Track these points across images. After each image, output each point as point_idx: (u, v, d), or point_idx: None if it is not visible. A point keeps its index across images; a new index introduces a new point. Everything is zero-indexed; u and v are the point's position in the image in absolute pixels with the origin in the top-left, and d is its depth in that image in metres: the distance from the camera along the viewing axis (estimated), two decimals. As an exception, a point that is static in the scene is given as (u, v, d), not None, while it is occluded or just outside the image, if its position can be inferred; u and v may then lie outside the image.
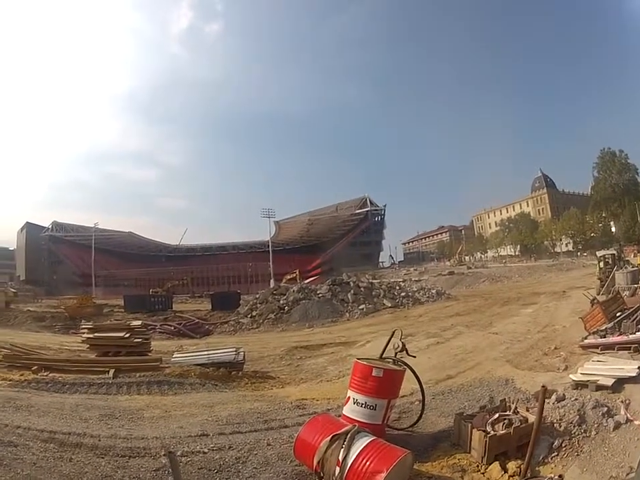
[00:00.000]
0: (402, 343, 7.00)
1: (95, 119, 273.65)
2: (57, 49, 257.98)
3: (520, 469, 5.34)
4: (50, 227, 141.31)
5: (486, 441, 5.65)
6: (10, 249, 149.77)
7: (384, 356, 7.09)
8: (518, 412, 6.26)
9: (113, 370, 12.59)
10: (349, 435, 5.35)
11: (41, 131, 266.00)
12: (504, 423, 5.98)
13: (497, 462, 5.57)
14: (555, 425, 5.99)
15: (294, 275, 74.75)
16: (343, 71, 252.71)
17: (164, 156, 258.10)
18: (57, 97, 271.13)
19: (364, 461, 5.00)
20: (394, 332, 7.32)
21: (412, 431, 7.07)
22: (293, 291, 32.61)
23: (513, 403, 6.59)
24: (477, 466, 5.70)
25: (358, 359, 6.83)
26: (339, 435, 5.41)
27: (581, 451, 5.58)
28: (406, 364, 6.83)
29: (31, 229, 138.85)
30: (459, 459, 5.91)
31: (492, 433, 5.80)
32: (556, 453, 5.60)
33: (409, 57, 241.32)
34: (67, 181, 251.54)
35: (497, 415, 6.19)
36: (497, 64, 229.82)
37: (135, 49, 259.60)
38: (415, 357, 7.31)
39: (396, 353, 6.98)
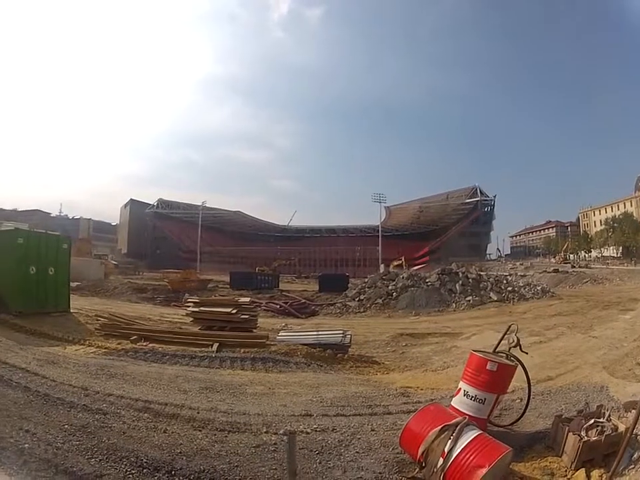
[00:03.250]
0: (517, 338, 6.87)
1: (204, 101, 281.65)
2: (168, 37, 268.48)
3: (602, 479, 5.33)
4: (155, 203, 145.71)
5: (579, 446, 5.61)
6: (112, 224, 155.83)
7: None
8: (610, 419, 6.15)
9: (217, 344, 12.87)
10: (458, 427, 5.37)
11: (152, 111, 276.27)
12: (597, 430, 5.89)
13: (583, 469, 5.53)
14: (639, 437, 5.80)
15: (400, 261, 74.73)
16: (456, 58, 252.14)
17: (274, 138, 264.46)
18: (168, 80, 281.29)
19: (468, 455, 5.03)
20: (510, 326, 7.23)
21: (511, 429, 7.00)
22: (402, 277, 32.63)
23: (607, 410, 6.45)
24: (565, 471, 5.67)
25: (474, 350, 6.82)
26: (448, 425, 5.43)
27: (653, 465, 5.48)
28: (519, 360, 6.73)
29: (134, 205, 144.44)
30: (549, 462, 5.86)
31: (585, 438, 5.73)
32: (633, 466, 5.43)
33: (523, 44, 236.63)
34: (177, 160, 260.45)
35: (592, 421, 6.10)
36: (612, 54, 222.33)
37: (237, 34, 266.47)
38: (527, 353, 7.18)
39: (510, 348, 6.86)
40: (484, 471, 4.79)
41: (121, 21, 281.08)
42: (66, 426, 6.23)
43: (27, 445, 5.46)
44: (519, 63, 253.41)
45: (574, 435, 5.77)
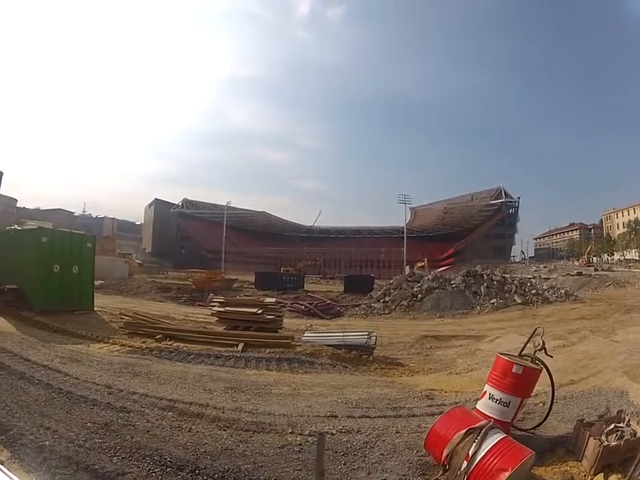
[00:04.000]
0: (542, 341, 6.86)
1: (227, 101, 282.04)
2: (191, 38, 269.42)
3: (619, 484, 5.37)
4: (180, 203, 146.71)
5: (599, 450, 5.60)
6: (136, 223, 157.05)
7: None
8: (630, 424, 6.15)
9: (242, 344, 12.95)
10: (483, 430, 5.39)
11: (175, 110, 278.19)
12: (617, 435, 5.89)
13: (602, 473, 5.54)
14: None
15: (423, 263, 74.54)
16: (478, 55, 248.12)
17: (297, 138, 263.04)
18: (190, 79, 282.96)
19: (492, 458, 5.06)
20: (536, 329, 7.20)
21: (533, 433, 6.99)
22: (427, 279, 32.44)
23: (626, 415, 6.45)
24: (584, 476, 5.67)
25: (500, 353, 6.85)
26: (474, 429, 5.44)
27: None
28: (544, 364, 6.71)
29: (159, 205, 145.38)
30: (570, 467, 5.87)
31: (605, 443, 5.73)
32: (649, 471, 5.50)
33: (544, 41, 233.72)
34: (200, 159, 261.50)
35: (612, 426, 6.10)
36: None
37: (258, 34, 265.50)
38: (552, 356, 7.12)
39: (535, 351, 6.85)
40: (507, 474, 4.83)
41: (142, 24, 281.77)
42: (88, 424, 6.37)
43: (47, 442, 5.61)
44: (538, 60, 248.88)
45: (594, 439, 5.78)
